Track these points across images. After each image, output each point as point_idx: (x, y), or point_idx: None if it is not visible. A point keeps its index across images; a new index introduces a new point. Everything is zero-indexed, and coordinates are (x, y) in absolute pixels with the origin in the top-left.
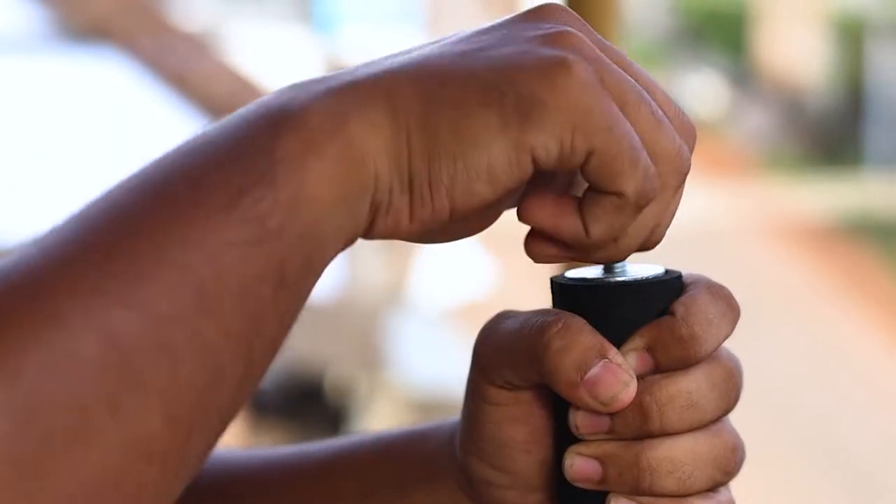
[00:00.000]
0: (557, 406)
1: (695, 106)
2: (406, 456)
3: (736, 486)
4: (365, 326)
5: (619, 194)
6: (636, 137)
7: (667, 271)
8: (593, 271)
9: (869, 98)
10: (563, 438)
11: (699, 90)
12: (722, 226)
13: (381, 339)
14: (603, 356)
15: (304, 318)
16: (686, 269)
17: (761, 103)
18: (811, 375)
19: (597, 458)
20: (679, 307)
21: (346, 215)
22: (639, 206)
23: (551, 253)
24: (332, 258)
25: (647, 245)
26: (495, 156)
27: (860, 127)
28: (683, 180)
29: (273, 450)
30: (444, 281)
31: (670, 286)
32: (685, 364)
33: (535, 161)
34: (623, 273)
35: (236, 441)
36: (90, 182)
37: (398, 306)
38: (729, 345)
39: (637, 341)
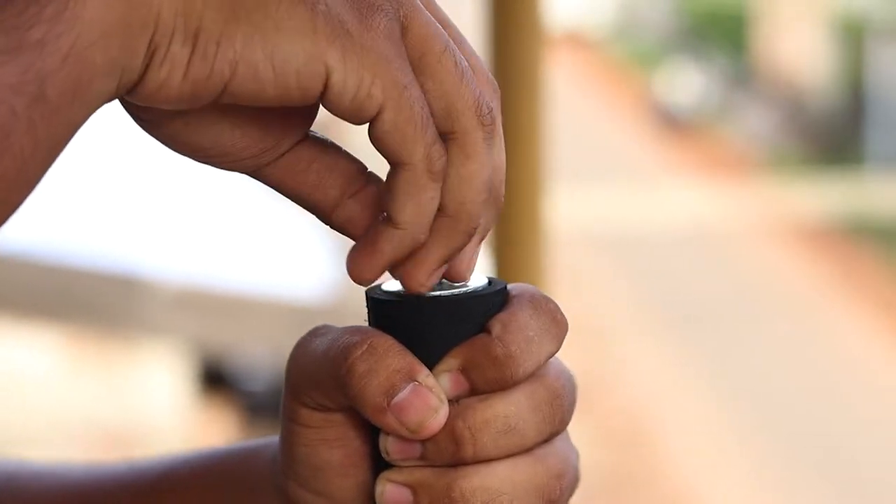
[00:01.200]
0: (371, 429)
1: (696, 105)
2: (233, 475)
3: (734, 483)
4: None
5: (407, 164)
6: (426, 105)
7: (490, 282)
8: None
9: (870, 98)
10: (377, 463)
11: (700, 90)
12: (722, 225)
13: None
14: (412, 379)
15: (298, 318)
16: (687, 268)
17: (762, 103)
18: (809, 376)
19: (408, 485)
20: (496, 324)
21: (119, 48)
22: (432, 174)
23: (379, 266)
24: (105, 94)
25: (494, 203)
26: (294, 51)
27: (861, 127)
28: (491, 133)
29: (102, 466)
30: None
31: (489, 300)
32: (502, 386)
33: (326, 87)
34: (440, 286)
35: (230, 441)
36: (83, 183)
37: None
38: (731, 343)
39: (450, 362)
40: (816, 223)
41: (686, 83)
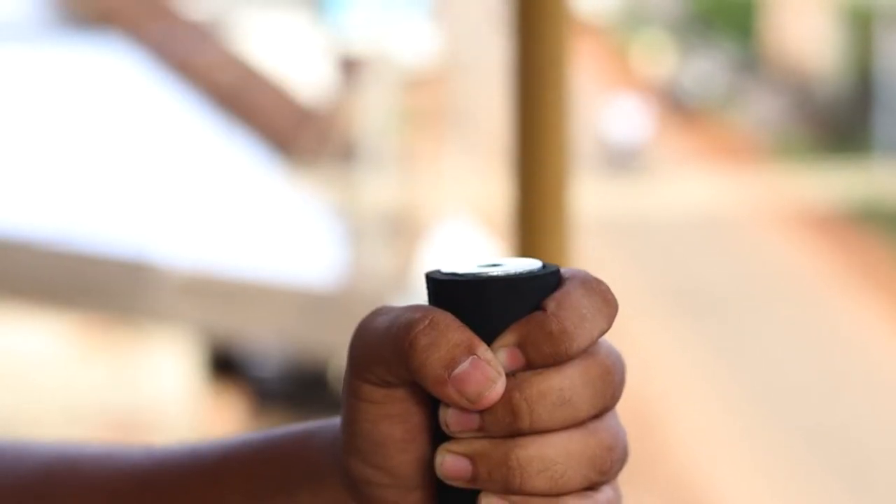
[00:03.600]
0: (432, 403)
1: (704, 92)
2: (291, 456)
3: (740, 463)
4: None
5: None
6: None
7: (544, 265)
8: (469, 266)
9: (878, 85)
10: (437, 436)
11: (708, 76)
12: (730, 212)
13: None
14: (471, 352)
15: (308, 305)
16: (695, 254)
17: (770, 90)
18: (816, 360)
19: (467, 455)
20: (551, 302)
21: None
22: None
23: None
24: None
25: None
26: None
27: (869, 114)
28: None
29: (164, 449)
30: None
31: (544, 281)
32: (557, 360)
33: None
34: (498, 268)
35: (239, 428)
36: (93, 170)
37: (403, 293)
38: (736, 329)
39: (508, 337)
40: (824, 209)
41: (694, 70)
